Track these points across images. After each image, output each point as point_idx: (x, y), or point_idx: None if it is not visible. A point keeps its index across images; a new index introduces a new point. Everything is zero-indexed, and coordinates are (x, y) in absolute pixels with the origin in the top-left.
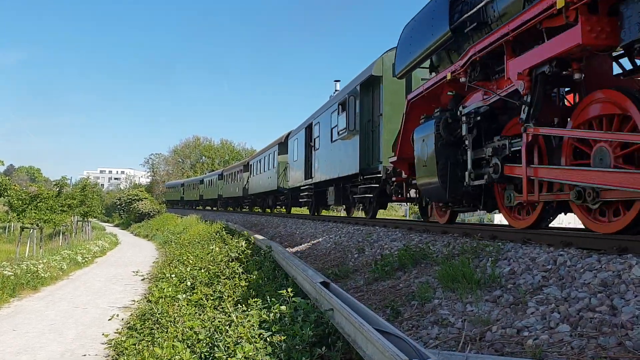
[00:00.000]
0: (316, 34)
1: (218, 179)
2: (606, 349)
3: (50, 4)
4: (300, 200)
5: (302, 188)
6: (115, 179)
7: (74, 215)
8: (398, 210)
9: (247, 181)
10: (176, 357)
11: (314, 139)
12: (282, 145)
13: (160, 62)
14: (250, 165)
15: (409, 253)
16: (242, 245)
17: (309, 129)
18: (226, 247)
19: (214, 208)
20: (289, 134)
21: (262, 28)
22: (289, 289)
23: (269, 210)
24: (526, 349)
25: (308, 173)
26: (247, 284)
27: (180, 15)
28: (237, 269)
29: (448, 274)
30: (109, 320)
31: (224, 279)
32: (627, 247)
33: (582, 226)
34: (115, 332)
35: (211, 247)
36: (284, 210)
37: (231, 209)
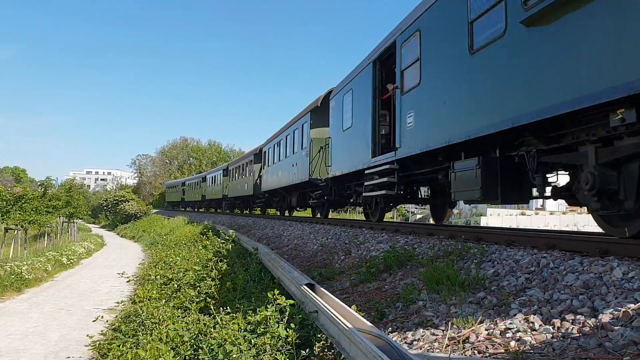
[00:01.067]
0: (306, 34)
1: (223, 174)
2: (587, 350)
3: (38, 2)
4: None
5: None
6: (102, 179)
7: (59, 216)
8: None
9: (260, 175)
10: (160, 359)
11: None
12: (316, 114)
13: (148, 62)
14: (265, 153)
15: (394, 255)
16: (228, 247)
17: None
18: (213, 248)
19: (218, 210)
20: (329, 93)
21: (251, 28)
22: (275, 291)
23: (289, 213)
24: (509, 350)
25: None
26: (233, 285)
27: (167, 15)
28: (224, 271)
29: (433, 276)
30: (94, 321)
31: (209, 281)
32: (609, 249)
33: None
34: (100, 334)
35: (197, 249)
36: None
37: (238, 211)
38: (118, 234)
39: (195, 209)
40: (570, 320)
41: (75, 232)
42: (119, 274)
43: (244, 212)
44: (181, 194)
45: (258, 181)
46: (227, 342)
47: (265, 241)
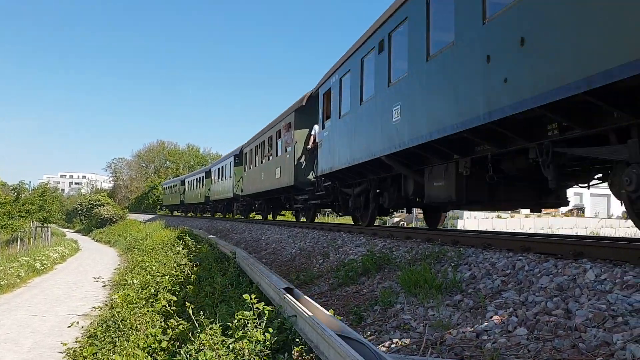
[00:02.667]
0: (283, 37)
1: (234, 162)
2: (561, 352)
3: (11, 1)
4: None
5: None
6: (77, 183)
7: (32, 221)
8: None
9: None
10: None
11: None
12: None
13: (124, 63)
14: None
15: (372, 258)
16: (205, 251)
17: None
18: (190, 253)
19: (228, 215)
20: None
21: (229, 30)
22: (253, 295)
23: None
24: (485, 352)
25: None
26: (211, 290)
27: (144, 17)
28: (201, 275)
29: (410, 279)
30: (69, 327)
31: (187, 285)
32: (582, 251)
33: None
34: (75, 341)
35: (175, 254)
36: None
37: (257, 216)
38: (93, 239)
39: (198, 213)
40: (545, 322)
41: (49, 237)
42: (94, 279)
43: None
44: (180, 196)
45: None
46: (206, 347)
47: (244, 245)
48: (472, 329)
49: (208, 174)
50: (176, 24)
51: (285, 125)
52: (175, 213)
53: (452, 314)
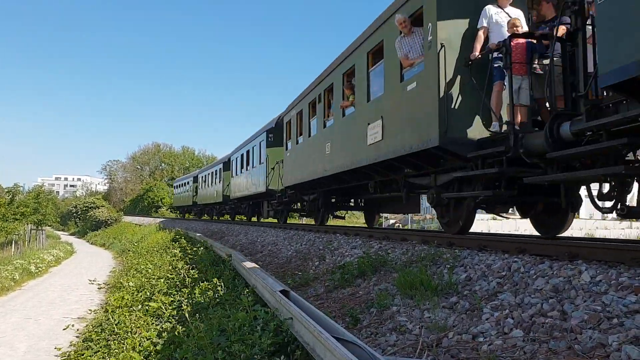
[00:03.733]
0: (280, 37)
1: (267, 141)
2: (557, 353)
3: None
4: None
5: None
6: (71, 186)
7: (27, 224)
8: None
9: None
10: None
11: None
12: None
13: (119, 65)
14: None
15: (368, 260)
16: (201, 254)
17: None
18: (186, 256)
19: (261, 219)
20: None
21: (225, 30)
22: (249, 298)
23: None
24: (481, 354)
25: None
26: (206, 293)
27: (138, 18)
28: (197, 278)
29: (406, 281)
30: (64, 330)
31: (182, 288)
32: (578, 253)
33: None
34: (70, 344)
35: (170, 256)
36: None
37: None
38: (88, 241)
39: (215, 216)
40: (541, 324)
41: (44, 240)
42: (89, 281)
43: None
44: (192, 195)
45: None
46: (202, 350)
47: (239, 247)
48: (468, 331)
49: (227, 164)
50: (172, 25)
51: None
52: (188, 216)
53: (448, 315)
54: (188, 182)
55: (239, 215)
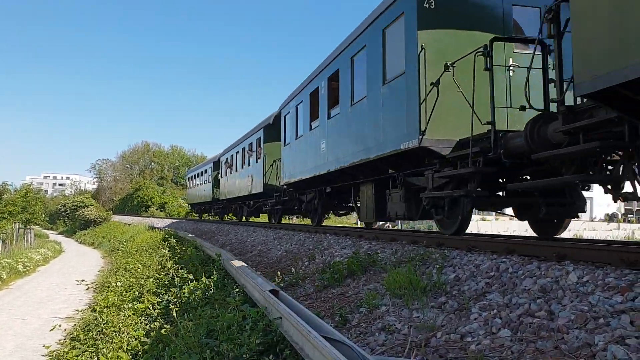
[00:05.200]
0: (271, 40)
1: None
2: (544, 353)
3: None
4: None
5: None
6: (60, 184)
7: (15, 222)
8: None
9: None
10: None
11: None
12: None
13: (108, 64)
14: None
15: (358, 260)
16: (191, 253)
17: None
18: (175, 255)
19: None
20: None
21: (216, 32)
22: (237, 298)
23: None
24: (469, 354)
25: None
26: (195, 292)
27: (127, 17)
28: (186, 278)
29: (395, 281)
30: (51, 330)
31: (171, 288)
32: (566, 254)
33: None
34: (57, 343)
35: (159, 256)
36: None
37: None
38: (77, 240)
39: (245, 216)
40: (528, 324)
41: (32, 239)
42: (77, 281)
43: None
44: (211, 188)
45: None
46: (191, 350)
47: (229, 247)
48: (456, 331)
49: (271, 130)
50: (162, 25)
51: None
52: (207, 217)
53: (436, 315)
54: (206, 171)
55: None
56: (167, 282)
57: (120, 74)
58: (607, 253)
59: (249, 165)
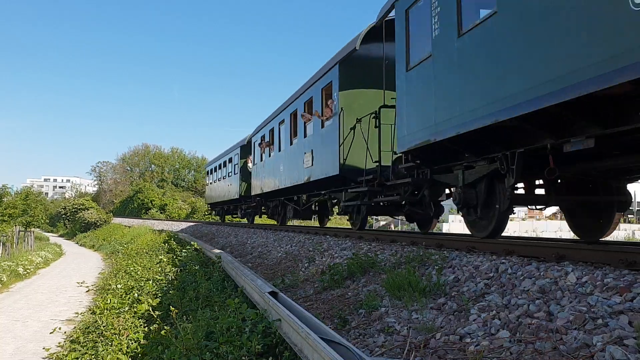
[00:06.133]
0: (270, 40)
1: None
2: (542, 354)
3: None
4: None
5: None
6: (60, 187)
7: (15, 225)
8: None
9: None
10: None
11: None
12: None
13: (109, 66)
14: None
15: (357, 262)
16: (191, 256)
17: None
18: (175, 258)
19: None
20: None
21: (214, 33)
22: (237, 299)
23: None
24: (468, 355)
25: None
26: (195, 294)
27: (129, 18)
28: (186, 280)
29: (395, 283)
30: (51, 333)
31: (171, 290)
32: (565, 254)
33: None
34: (57, 346)
35: (159, 258)
36: None
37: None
38: (77, 243)
39: (289, 218)
40: (527, 325)
41: (32, 241)
42: (78, 283)
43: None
44: (239, 183)
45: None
46: (190, 353)
47: (229, 249)
48: (455, 332)
49: (351, 67)
50: (162, 26)
51: None
52: (232, 219)
53: (435, 317)
54: (230, 160)
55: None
56: (166, 284)
57: (121, 76)
58: (606, 254)
59: (304, 136)
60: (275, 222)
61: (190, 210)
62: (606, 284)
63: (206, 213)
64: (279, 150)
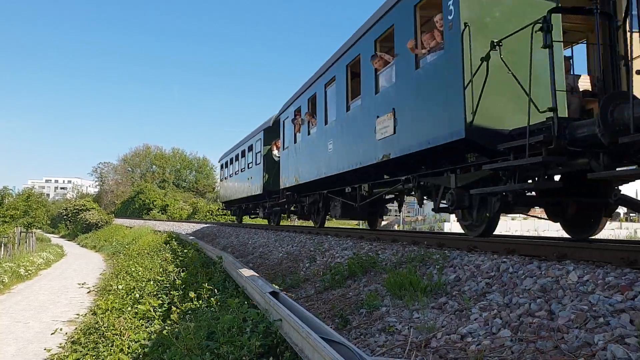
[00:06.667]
0: (271, 40)
1: None
2: (543, 353)
3: None
4: None
5: None
6: (62, 188)
7: (16, 226)
8: None
9: None
10: None
11: None
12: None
13: (110, 66)
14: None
15: (358, 262)
16: (192, 256)
17: None
18: (176, 259)
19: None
20: None
21: (215, 33)
22: (237, 300)
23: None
24: (469, 354)
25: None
26: (196, 295)
27: (130, 18)
28: (187, 280)
29: (396, 282)
30: (52, 334)
31: (172, 291)
32: (566, 253)
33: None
34: (59, 347)
35: (160, 258)
36: None
37: None
38: (79, 244)
39: (330, 216)
40: (528, 324)
41: (34, 242)
42: (79, 284)
43: None
44: (262, 176)
45: None
46: (191, 353)
47: (230, 250)
48: (456, 331)
49: None
50: (163, 27)
51: None
52: (251, 220)
53: (437, 316)
54: (250, 149)
55: None
56: (168, 285)
57: (121, 75)
58: (608, 252)
59: (375, 92)
60: (313, 224)
61: (191, 211)
62: (607, 283)
63: (207, 214)
64: (326, 122)
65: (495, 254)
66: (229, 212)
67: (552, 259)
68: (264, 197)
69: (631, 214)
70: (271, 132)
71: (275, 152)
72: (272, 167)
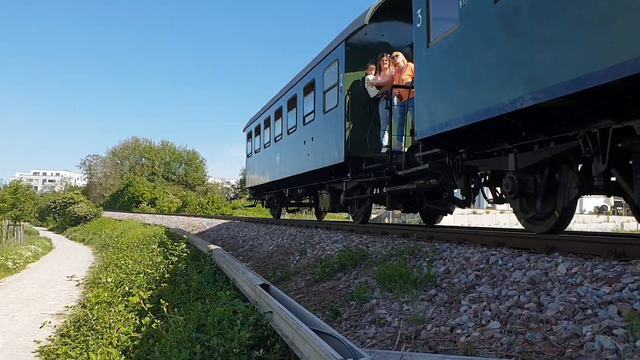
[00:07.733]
0: (261, 34)
1: None
2: (532, 344)
3: None
4: None
5: None
6: (50, 181)
7: (4, 219)
8: None
9: None
10: None
11: None
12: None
13: (99, 58)
14: None
15: (349, 254)
16: (182, 249)
17: None
18: (166, 251)
19: None
20: None
21: (204, 26)
22: (228, 292)
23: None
24: (459, 346)
25: None
26: (186, 287)
27: (120, 11)
28: (177, 273)
29: (386, 274)
30: (41, 327)
31: (162, 283)
32: (555, 246)
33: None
34: (48, 340)
35: (150, 251)
36: None
37: None
38: (67, 237)
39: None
40: (517, 315)
41: (22, 235)
42: (68, 277)
43: None
44: (342, 132)
45: None
46: (181, 345)
47: (220, 242)
48: (446, 323)
49: None
50: (152, 20)
51: None
52: (291, 215)
53: (426, 308)
54: (312, 85)
55: None
56: (157, 278)
57: (111, 69)
58: (596, 245)
59: None
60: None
61: (181, 204)
62: (596, 275)
63: (197, 207)
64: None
65: (484, 246)
66: (227, 205)
67: (541, 252)
68: (343, 170)
69: (618, 208)
70: (359, 49)
71: (370, 77)
72: (362, 112)
